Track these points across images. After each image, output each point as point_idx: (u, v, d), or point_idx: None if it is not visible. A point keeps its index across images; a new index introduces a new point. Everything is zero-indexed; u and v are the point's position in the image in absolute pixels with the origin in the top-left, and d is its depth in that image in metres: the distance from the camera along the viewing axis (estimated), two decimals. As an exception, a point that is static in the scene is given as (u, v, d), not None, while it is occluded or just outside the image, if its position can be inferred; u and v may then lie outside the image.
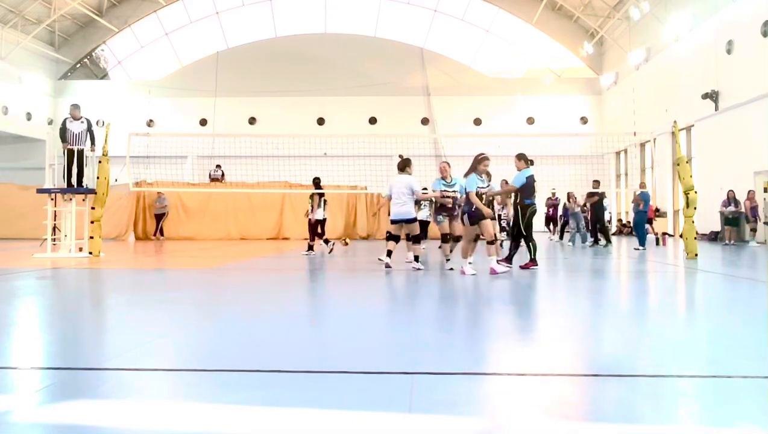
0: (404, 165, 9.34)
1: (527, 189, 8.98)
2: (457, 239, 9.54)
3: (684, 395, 2.86)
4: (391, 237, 9.27)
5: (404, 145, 25.81)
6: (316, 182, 13.62)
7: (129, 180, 14.94)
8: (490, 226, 8.15)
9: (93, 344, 4.09)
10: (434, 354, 3.64)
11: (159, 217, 20.40)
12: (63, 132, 12.00)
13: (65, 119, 12.14)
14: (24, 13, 27.89)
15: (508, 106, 31.24)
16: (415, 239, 9.18)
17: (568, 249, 15.12)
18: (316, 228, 13.33)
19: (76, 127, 11.99)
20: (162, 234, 20.30)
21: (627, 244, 18.01)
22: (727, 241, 17.86)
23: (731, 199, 17.98)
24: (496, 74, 32.25)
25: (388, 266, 8.87)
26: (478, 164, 8.22)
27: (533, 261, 8.93)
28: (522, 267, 8.89)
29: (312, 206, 13.28)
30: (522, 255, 9.70)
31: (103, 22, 30.48)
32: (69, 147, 11.89)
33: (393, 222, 9.19)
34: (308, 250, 12.96)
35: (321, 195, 13.43)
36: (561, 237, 18.03)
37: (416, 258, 9.03)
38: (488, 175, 8.86)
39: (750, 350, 3.73)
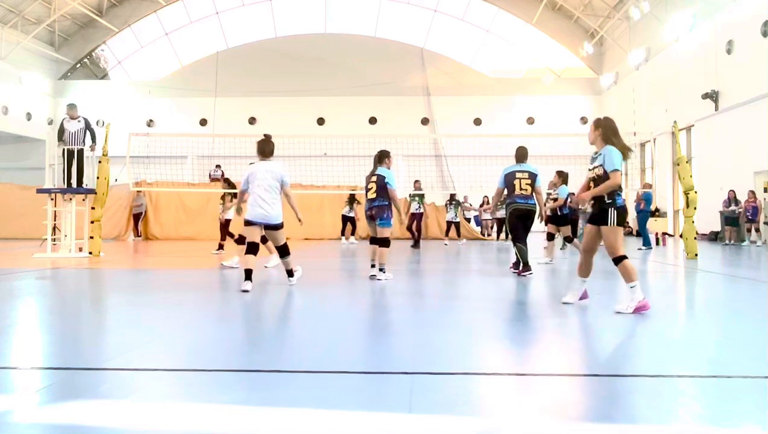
0: (268, 146, 6.82)
1: (507, 187, 8.28)
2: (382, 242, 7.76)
3: (684, 395, 2.86)
4: (252, 247, 6.66)
5: (404, 145, 25.88)
6: (228, 181, 13.39)
7: (129, 180, 14.95)
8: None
9: (93, 344, 4.09)
10: (434, 355, 3.64)
11: (136, 217, 20.42)
12: (60, 132, 12.01)
13: (63, 119, 12.15)
14: (24, 13, 27.87)
15: (508, 106, 31.22)
16: (283, 251, 6.77)
17: (571, 249, 15.11)
18: (227, 228, 13.05)
19: (73, 127, 11.98)
20: (139, 234, 20.31)
21: (626, 244, 18.00)
22: (727, 241, 17.88)
23: (732, 199, 18.00)
24: (496, 74, 32.23)
25: (245, 290, 6.24)
26: (611, 129, 5.26)
27: (516, 264, 8.35)
28: (518, 274, 8.25)
29: (223, 206, 13.07)
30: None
31: (103, 22, 30.47)
32: (66, 147, 11.89)
33: (248, 223, 6.65)
34: (218, 249, 12.65)
35: (234, 195, 13.31)
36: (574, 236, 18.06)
37: (290, 273, 6.84)
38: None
39: (750, 350, 3.73)
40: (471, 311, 5.41)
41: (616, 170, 5.04)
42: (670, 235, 21.99)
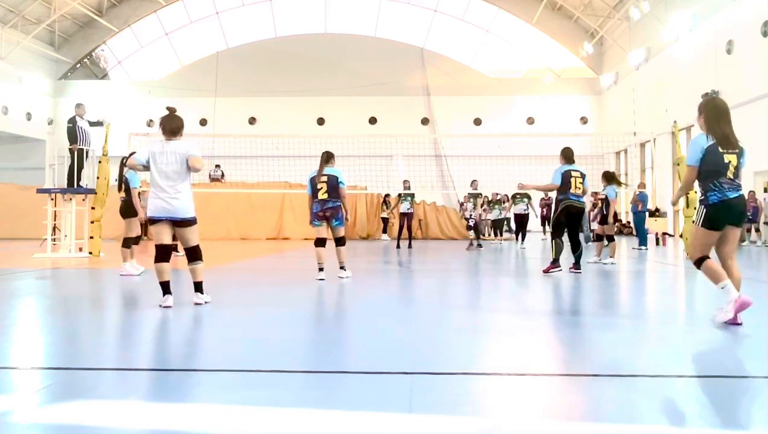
0: (177, 124, 5.42)
1: (562, 185, 8.29)
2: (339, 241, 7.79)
3: (684, 395, 2.86)
4: (162, 252, 5.39)
5: (404, 145, 25.86)
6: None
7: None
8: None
9: (93, 344, 4.09)
10: (434, 354, 3.64)
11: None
12: (74, 131, 11.86)
13: (75, 117, 12.00)
14: (24, 13, 27.86)
15: (508, 106, 31.21)
16: (193, 254, 5.45)
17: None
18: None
19: (85, 125, 12.05)
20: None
21: (626, 244, 17.99)
22: None
23: None
24: (496, 74, 32.22)
25: (167, 306, 5.15)
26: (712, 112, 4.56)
27: (554, 263, 8.08)
28: (544, 271, 8.20)
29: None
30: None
31: (103, 22, 30.47)
32: (85, 147, 11.90)
33: (152, 221, 5.32)
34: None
35: None
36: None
37: (198, 287, 5.43)
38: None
39: (750, 350, 3.73)
40: (471, 311, 5.41)
41: (687, 165, 4.54)
42: (670, 235, 21.98)
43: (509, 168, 20.66)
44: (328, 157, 7.74)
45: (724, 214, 4.44)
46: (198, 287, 5.40)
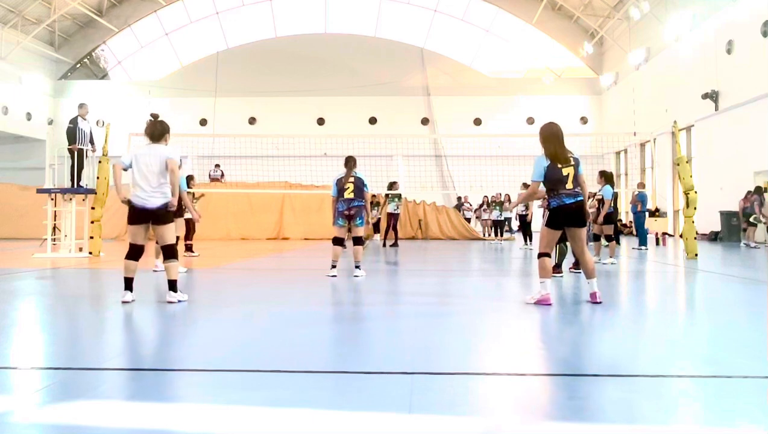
0: (160, 129, 5.80)
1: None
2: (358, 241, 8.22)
3: (684, 395, 2.86)
4: (134, 251, 5.53)
5: (404, 145, 25.86)
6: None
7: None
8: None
9: (93, 344, 4.09)
10: (434, 354, 3.64)
11: None
12: (74, 132, 11.86)
13: (77, 118, 12.00)
14: (24, 13, 27.87)
15: (508, 106, 31.23)
16: (169, 252, 5.54)
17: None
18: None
19: (86, 126, 12.04)
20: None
21: (627, 244, 18.00)
22: (753, 243, 16.10)
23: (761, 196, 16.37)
24: (496, 74, 32.24)
25: (125, 301, 5.38)
26: (541, 136, 5.64)
27: (557, 267, 7.93)
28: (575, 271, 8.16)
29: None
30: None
31: (103, 22, 30.47)
32: (79, 147, 11.89)
33: (132, 221, 5.52)
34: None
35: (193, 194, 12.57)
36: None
37: (172, 285, 5.45)
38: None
39: (750, 350, 3.73)
40: (471, 311, 5.41)
41: (532, 181, 5.53)
42: (670, 235, 21.99)
43: (509, 168, 20.66)
44: (355, 162, 8.21)
45: (560, 216, 5.41)
46: (172, 286, 5.46)
